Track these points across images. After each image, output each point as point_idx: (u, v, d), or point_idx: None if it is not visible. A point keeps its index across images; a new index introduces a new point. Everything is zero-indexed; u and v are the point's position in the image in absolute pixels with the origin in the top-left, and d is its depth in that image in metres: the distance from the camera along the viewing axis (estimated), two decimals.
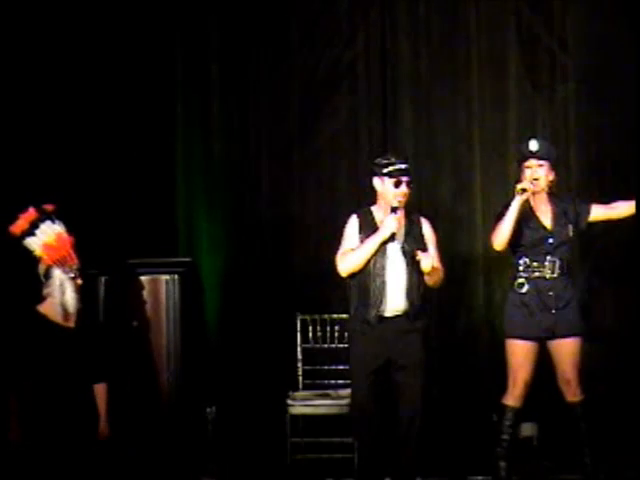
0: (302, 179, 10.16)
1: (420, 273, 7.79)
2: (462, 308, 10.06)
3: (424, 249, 7.78)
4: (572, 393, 8.28)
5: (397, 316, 7.73)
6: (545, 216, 8.43)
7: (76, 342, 7.84)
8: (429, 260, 7.70)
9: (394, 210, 7.73)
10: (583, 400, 8.30)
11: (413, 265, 7.75)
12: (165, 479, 8.82)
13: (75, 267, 7.93)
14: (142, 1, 10.27)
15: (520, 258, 8.39)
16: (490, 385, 9.15)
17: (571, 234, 8.40)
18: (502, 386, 8.49)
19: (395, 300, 7.74)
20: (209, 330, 9.80)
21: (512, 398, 8.35)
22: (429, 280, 7.83)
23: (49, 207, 8.03)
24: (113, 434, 7.92)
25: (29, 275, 8.08)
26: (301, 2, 10.25)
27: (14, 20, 10.09)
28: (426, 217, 8.04)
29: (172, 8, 10.29)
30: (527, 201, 8.35)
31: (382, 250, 7.75)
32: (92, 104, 10.16)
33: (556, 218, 8.40)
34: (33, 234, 7.94)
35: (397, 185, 7.71)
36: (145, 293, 9.38)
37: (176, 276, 9.36)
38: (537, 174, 8.32)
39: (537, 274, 8.33)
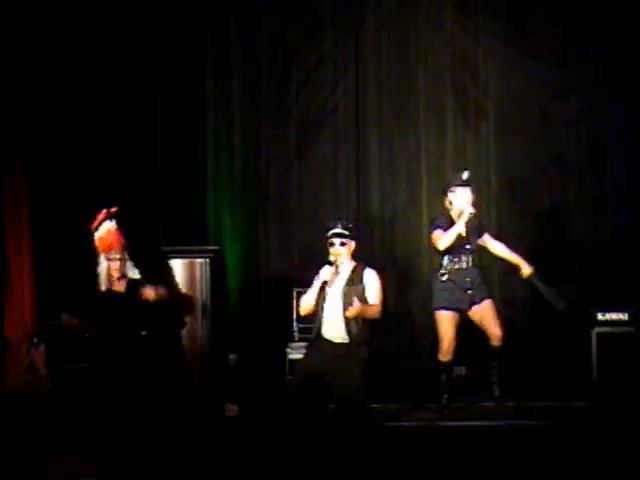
0: (299, 189, 10.23)
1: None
2: (412, 284, 10.19)
3: (361, 297, 7.49)
4: (496, 339, 8.51)
5: (335, 343, 7.56)
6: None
7: (123, 305, 7.99)
8: (352, 312, 7.38)
9: (329, 263, 7.60)
10: (501, 346, 8.53)
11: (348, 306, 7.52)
12: (201, 403, 8.79)
13: (118, 254, 8.03)
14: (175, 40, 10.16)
15: (445, 256, 8.54)
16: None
17: (477, 241, 8.60)
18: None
19: (332, 331, 7.57)
20: (231, 300, 9.92)
21: (442, 354, 8.57)
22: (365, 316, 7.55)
23: (112, 210, 8.15)
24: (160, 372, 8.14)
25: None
26: (298, 59, 10.23)
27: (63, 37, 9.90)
28: (371, 267, 7.71)
29: (203, 55, 10.31)
30: (459, 214, 8.47)
31: (323, 294, 7.61)
32: (144, 127, 10.20)
33: (470, 230, 8.50)
34: (97, 230, 8.11)
35: (330, 245, 7.61)
36: (184, 272, 9.49)
37: (207, 260, 9.56)
38: (467, 198, 8.46)
39: (457, 266, 8.51)
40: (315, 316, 7.71)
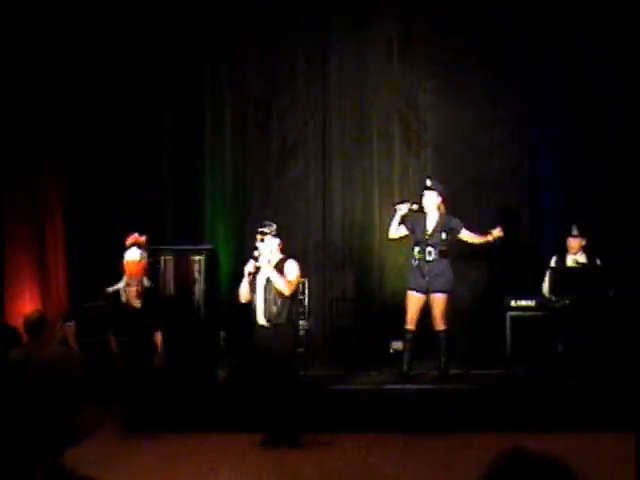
0: (277, 201, 10.10)
1: (276, 297, 7.34)
2: (366, 275, 10.14)
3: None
4: (438, 325, 8.56)
5: (262, 325, 7.39)
6: (430, 225, 8.56)
7: (140, 314, 7.95)
8: (264, 265, 7.29)
9: (255, 258, 7.37)
10: (444, 330, 8.58)
11: (270, 292, 7.33)
12: (197, 370, 8.78)
13: (137, 281, 7.93)
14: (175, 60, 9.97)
15: (414, 246, 8.57)
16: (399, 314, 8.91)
17: (443, 238, 8.53)
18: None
19: (259, 316, 7.39)
20: (222, 289, 9.72)
21: (406, 324, 8.57)
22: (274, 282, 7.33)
23: (142, 239, 8.13)
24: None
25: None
26: (278, 100, 10.09)
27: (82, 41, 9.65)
28: (294, 259, 7.50)
29: (202, 97, 10.13)
30: (424, 214, 8.55)
31: (254, 283, 7.39)
32: (155, 151, 10.07)
33: (436, 227, 8.52)
34: (127, 249, 8.02)
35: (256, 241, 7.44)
36: (183, 267, 9.40)
37: (203, 257, 9.41)
38: (432, 200, 8.55)
39: (421, 256, 8.50)
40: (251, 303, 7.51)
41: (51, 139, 9.72)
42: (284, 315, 7.36)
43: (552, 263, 8.93)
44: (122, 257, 8.06)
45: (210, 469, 6.99)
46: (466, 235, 8.67)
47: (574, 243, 8.86)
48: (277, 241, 7.49)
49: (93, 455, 7.09)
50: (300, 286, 8.53)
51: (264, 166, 10.28)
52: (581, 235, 8.87)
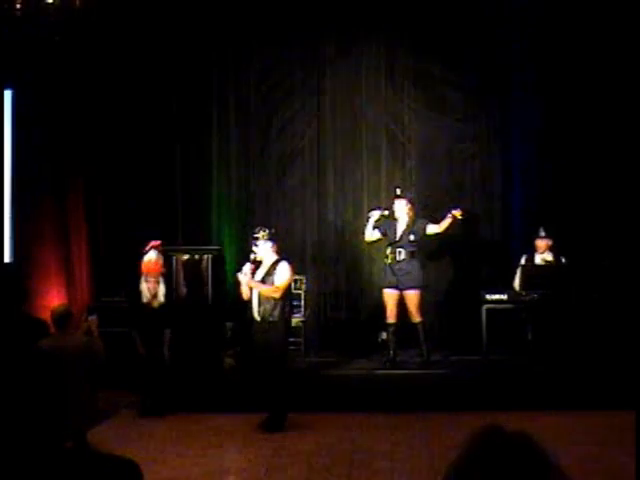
0: (277, 207, 10.13)
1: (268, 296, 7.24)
2: (356, 272, 10.05)
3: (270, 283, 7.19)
4: (414, 317, 8.60)
5: (257, 321, 7.32)
6: (400, 228, 8.61)
7: (156, 311, 7.97)
8: (244, 281, 7.26)
9: (250, 260, 7.37)
10: (422, 321, 8.61)
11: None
12: (206, 357, 8.77)
13: (154, 278, 7.99)
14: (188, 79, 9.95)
15: (388, 247, 8.62)
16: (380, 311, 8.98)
17: (412, 239, 8.56)
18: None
19: (254, 312, 7.30)
20: (227, 285, 9.58)
21: (389, 319, 8.62)
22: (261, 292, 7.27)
23: (157, 244, 8.17)
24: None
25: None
26: (277, 116, 10.08)
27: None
28: (288, 261, 7.42)
29: (209, 116, 10.08)
30: (395, 219, 8.56)
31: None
32: (169, 166, 10.04)
33: (405, 230, 8.56)
34: (145, 254, 8.08)
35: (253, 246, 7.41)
36: (193, 265, 9.39)
37: (211, 256, 9.42)
38: (402, 207, 8.59)
39: (393, 257, 8.57)
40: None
41: (77, 150, 9.78)
42: (276, 313, 7.27)
43: (522, 261, 8.95)
44: (140, 259, 8.12)
45: (216, 446, 7.02)
46: (432, 228, 8.63)
47: (541, 244, 8.91)
48: (270, 244, 7.41)
49: (112, 434, 7.20)
50: (296, 283, 8.61)
51: (265, 175, 10.29)
52: (548, 236, 8.91)
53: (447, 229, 8.68)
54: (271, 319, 7.26)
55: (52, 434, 1.73)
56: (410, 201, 8.70)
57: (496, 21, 9.67)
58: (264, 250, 7.40)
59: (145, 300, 7.97)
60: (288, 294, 7.45)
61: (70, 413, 5.84)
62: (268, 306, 7.26)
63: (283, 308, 7.30)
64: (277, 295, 7.27)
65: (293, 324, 9.05)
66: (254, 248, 7.41)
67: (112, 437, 7.09)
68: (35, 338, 6.19)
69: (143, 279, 8.00)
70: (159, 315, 7.99)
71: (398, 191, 8.74)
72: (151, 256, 8.06)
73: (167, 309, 8.06)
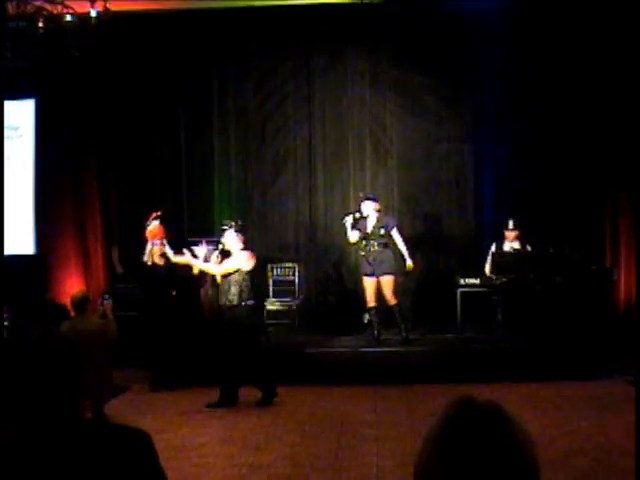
0: (272, 203, 10.12)
1: (229, 283, 7.06)
2: (342, 262, 10.04)
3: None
4: (389, 301, 8.48)
5: (221, 305, 7.19)
6: (370, 224, 8.51)
7: (163, 270, 7.99)
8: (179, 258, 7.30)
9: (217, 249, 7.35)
10: (396, 304, 8.50)
11: (224, 280, 7.13)
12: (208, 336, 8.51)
13: (159, 240, 7.97)
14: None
15: (362, 241, 8.50)
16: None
17: (382, 233, 8.45)
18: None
19: (221, 298, 7.18)
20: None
21: (369, 303, 8.56)
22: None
23: (158, 213, 8.13)
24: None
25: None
26: (271, 121, 10.03)
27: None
28: (251, 251, 7.34)
29: (210, 122, 10.05)
30: (365, 218, 8.45)
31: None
32: (176, 165, 10.00)
33: (375, 226, 8.47)
34: (148, 225, 8.10)
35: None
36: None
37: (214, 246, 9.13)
38: (371, 207, 8.51)
39: (367, 249, 8.45)
40: None
41: (93, 155, 9.79)
42: (234, 298, 7.03)
43: (492, 249, 8.93)
44: (145, 228, 8.14)
45: (220, 417, 6.97)
46: (395, 236, 8.55)
47: (510, 234, 8.89)
48: (235, 235, 7.23)
49: (126, 407, 7.18)
50: (290, 270, 8.83)
51: (261, 174, 10.25)
52: (515, 228, 8.88)
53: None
54: (229, 303, 7.06)
55: (70, 406, 1.74)
56: (375, 200, 8.64)
57: (469, 33, 9.61)
58: (229, 240, 7.22)
59: (154, 260, 7.93)
60: (249, 280, 7.15)
61: (88, 388, 5.79)
62: (228, 294, 7.05)
63: (240, 293, 7.03)
64: (215, 272, 7.18)
65: (275, 308, 9.30)
66: (221, 239, 7.27)
67: (126, 409, 7.09)
68: (57, 321, 6.25)
69: (150, 243, 8.00)
70: (167, 273, 7.92)
71: (361, 194, 8.83)
72: (155, 224, 8.09)
73: (174, 269, 7.95)
